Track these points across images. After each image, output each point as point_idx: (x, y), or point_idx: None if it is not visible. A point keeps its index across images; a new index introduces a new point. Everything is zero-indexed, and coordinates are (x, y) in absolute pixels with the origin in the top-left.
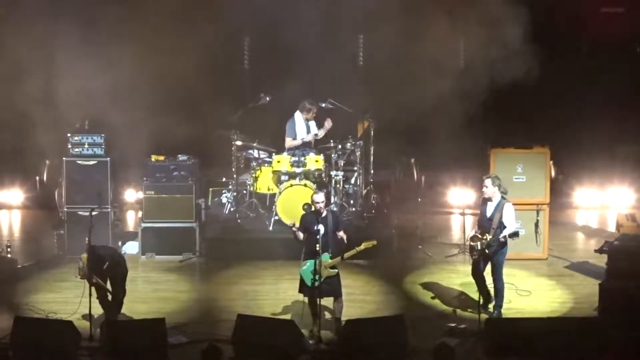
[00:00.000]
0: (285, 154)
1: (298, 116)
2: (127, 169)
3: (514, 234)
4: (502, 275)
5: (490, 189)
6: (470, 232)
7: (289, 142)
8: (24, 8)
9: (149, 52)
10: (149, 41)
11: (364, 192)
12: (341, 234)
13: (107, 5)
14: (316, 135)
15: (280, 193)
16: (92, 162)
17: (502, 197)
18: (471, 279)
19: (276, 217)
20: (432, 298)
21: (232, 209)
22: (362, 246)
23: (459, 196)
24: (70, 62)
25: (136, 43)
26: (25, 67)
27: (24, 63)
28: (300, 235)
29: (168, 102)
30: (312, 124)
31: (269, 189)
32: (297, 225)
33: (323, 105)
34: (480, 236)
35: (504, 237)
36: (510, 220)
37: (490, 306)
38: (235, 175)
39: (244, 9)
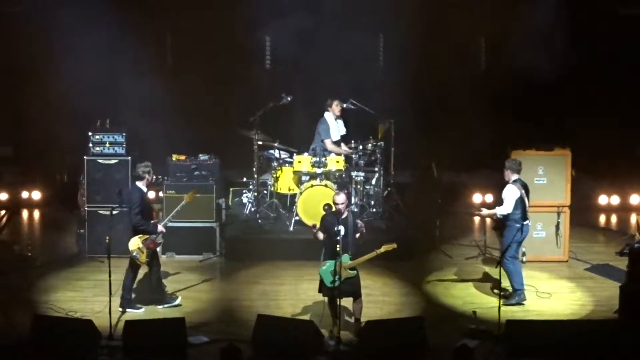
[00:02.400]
0: (305, 154)
1: (329, 117)
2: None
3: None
4: (511, 257)
5: (505, 173)
6: None
7: (330, 145)
8: (45, 4)
9: (170, 51)
10: (170, 39)
11: (385, 193)
12: (358, 235)
13: (128, 4)
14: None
15: (301, 193)
16: (113, 161)
17: (515, 180)
18: (492, 281)
19: (297, 218)
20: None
21: (252, 209)
22: (382, 249)
23: (479, 197)
24: (90, 60)
25: (157, 40)
26: (45, 65)
27: (44, 60)
28: (321, 235)
29: (190, 102)
30: (340, 123)
31: (289, 189)
32: (318, 226)
33: (345, 105)
34: None
35: (490, 212)
36: (504, 200)
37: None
38: (256, 175)
39: (265, 8)
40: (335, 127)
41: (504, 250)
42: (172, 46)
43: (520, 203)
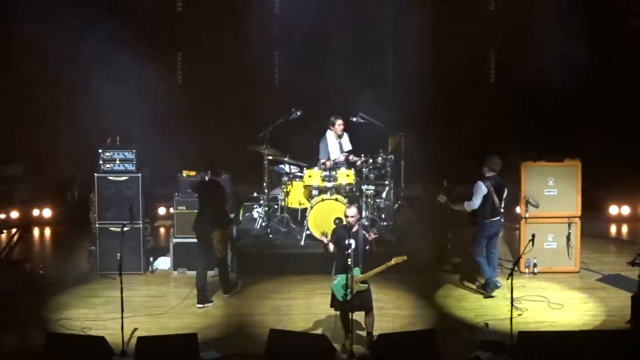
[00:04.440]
0: (316, 168)
1: (330, 136)
2: (159, 184)
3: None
4: (480, 251)
5: (482, 168)
6: None
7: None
8: (56, 24)
9: (180, 67)
10: (180, 55)
11: (395, 206)
12: (368, 248)
13: (138, 22)
14: (347, 154)
15: (311, 208)
16: (123, 178)
17: (488, 177)
18: (502, 293)
19: (307, 232)
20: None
21: (263, 224)
22: (393, 261)
23: None
24: (100, 77)
25: (166, 57)
26: (56, 83)
27: (55, 79)
28: (331, 247)
29: (200, 118)
30: (345, 140)
31: (300, 204)
32: (329, 236)
33: (354, 119)
34: None
35: (459, 206)
36: (472, 196)
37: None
38: (266, 190)
39: (274, 23)
40: (336, 146)
41: (473, 244)
42: (182, 63)
43: (489, 199)
